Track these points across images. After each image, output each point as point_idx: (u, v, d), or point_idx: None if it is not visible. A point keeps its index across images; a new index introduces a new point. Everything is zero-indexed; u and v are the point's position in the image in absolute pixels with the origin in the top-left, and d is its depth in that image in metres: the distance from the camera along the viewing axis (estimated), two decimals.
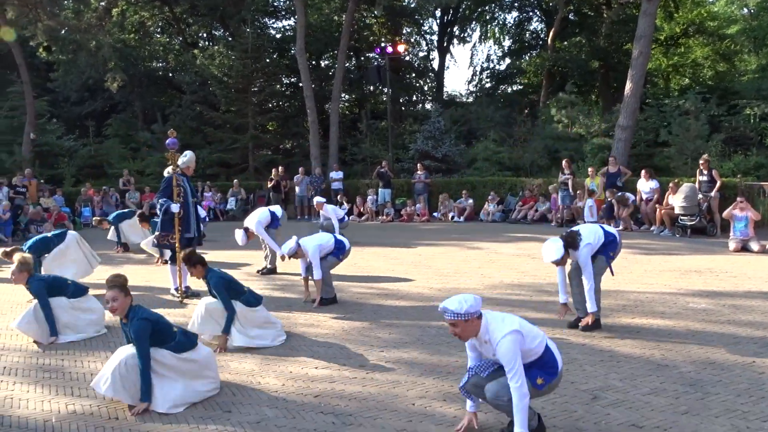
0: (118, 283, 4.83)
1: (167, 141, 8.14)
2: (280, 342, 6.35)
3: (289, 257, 7.89)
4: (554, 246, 6.07)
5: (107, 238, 13.31)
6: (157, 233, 8.70)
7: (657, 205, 14.23)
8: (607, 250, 6.40)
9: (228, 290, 6.23)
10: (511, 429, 3.84)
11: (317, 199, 13.02)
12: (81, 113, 29.11)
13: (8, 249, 8.36)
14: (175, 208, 8.09)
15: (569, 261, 6.32)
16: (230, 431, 4.34)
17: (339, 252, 8.02)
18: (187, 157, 8.42)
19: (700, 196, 13.30)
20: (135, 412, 4.65)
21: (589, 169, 16.01)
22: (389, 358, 5.79)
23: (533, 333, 3.93)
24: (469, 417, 4.19)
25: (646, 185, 14.82)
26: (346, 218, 13.36)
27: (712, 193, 13.37)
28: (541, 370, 3.95)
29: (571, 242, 6.14)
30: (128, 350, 4.82)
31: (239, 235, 9.62)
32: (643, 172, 15.09)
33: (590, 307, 6.28)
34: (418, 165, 19.52)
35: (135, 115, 29.95)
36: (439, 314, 3.94)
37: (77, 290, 7.08)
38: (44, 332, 6.66)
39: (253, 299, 6.38)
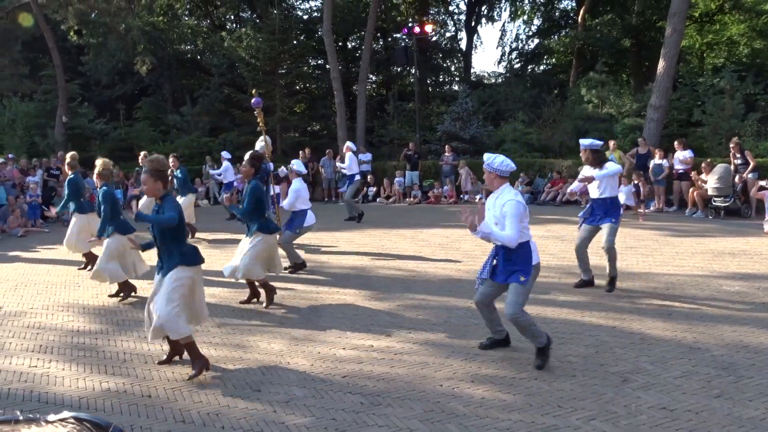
0: (150, 167, 4.96)
1: (252, 101, 8.47)
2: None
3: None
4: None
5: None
6: None
7: (690, 186, 13.95)
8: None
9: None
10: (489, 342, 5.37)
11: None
12: (112, 96, 29.47)
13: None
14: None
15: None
16: (260, 410, 4.40)
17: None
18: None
19: (736, 177, 13.01)
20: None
21: (611, 142, 15.20)
22: (417, 339, 5.81)
23: (527, 217, 4.98)
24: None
25: (680, 154, 14.23)
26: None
27: (746, 174, 13.07)
28: (521, 267, 4.92)
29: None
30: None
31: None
32: (676, 143, 14.55)
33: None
34: (446, 147, 19.39)
35: (164, 98, 30.22)
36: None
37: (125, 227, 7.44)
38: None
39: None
